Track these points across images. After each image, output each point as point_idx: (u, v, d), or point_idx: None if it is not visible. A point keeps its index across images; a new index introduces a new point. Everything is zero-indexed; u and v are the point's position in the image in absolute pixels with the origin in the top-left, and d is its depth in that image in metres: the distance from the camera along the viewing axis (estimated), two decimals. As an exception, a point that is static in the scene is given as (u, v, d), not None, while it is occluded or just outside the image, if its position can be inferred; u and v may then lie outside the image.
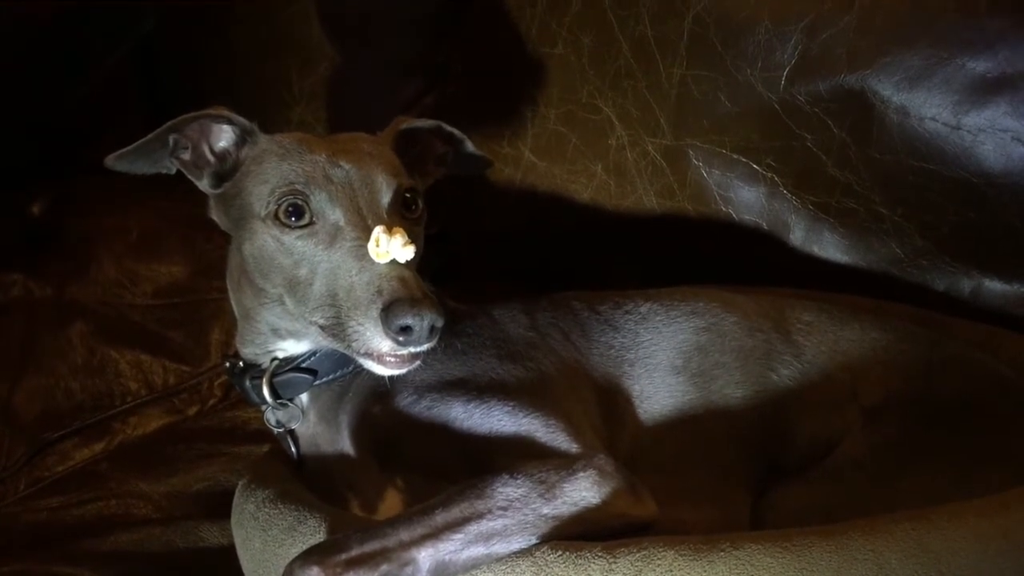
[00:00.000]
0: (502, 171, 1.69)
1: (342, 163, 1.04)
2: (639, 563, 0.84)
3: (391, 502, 1.06)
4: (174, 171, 1.13)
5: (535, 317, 1.19)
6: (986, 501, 0.89)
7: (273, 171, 1.04)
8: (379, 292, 0.94)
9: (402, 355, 0.96)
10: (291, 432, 1.14)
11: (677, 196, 1.52)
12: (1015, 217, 1.27)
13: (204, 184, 1.12)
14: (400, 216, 1.04)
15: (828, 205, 1.39)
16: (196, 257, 1.68)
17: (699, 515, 1.07)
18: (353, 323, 0.95)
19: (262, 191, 1.03)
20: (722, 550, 0.84)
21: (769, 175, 1.43)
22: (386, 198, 1.04)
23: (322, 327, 1.00)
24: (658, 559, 0.84)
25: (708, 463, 1.12)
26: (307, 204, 1.01)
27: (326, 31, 1.83)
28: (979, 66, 1.26)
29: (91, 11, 1.83)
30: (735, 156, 1.45)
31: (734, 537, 0.85)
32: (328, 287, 0.99)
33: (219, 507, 1.28)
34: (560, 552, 0.86)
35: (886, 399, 1.11)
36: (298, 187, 1.01)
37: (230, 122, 1.09)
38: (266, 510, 1.04)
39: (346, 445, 1.09)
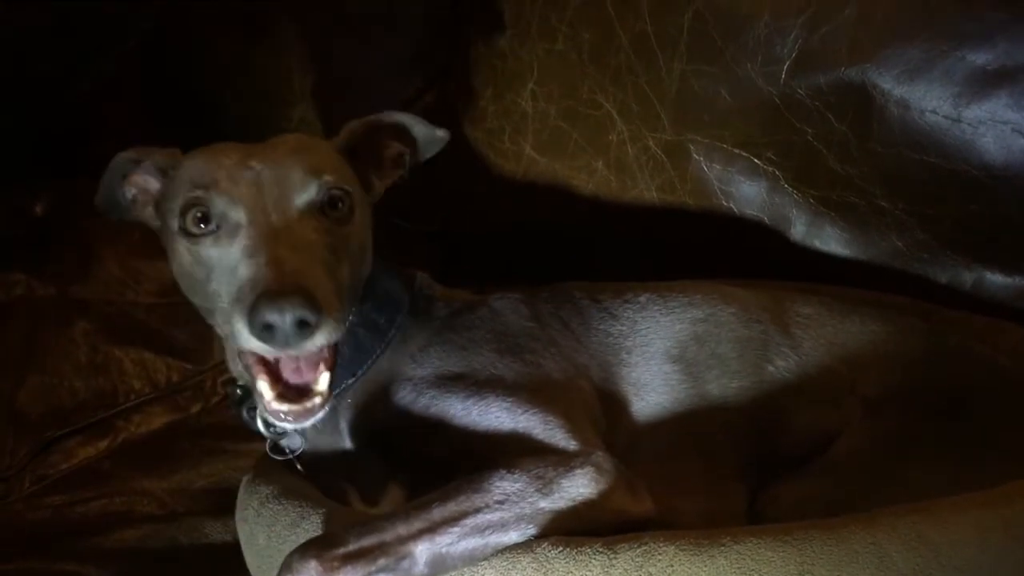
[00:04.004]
0: (503, 167, 1.69)
1: (252, 164, 0.98)
2: (640, 558, 0.85)
3: (392, 498, 1.06)
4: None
5: (536, 307, 1.19)
6: (987, 493, 0.89)
7: (182, 183, 1.00)
8: (252, 289, 0.87)
9: (293, 409, 0.91)
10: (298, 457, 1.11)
11: (678, 191, 1.52)
12: (1016, 210, 1.27)
13: (148, 215, 1.10)
14: (318, 215, 0.98)
15: (829, 199, 1.39)
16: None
17: (693, 504, 1.07)
18: (233, 321, 0.88)
19: (174, 207, 0.99)
20: (722, 544, 0.84)
21: (770, 169, 1.43)
22: (301, 195, 0.97)
23: (239, 352, 0.94)
24: (659, 554, 0.85)
25: (703, 452, 1.12)
26: (210, 210, 0.95)
27: (327, 29, 1.83)
28: (979, 58, 1.25)
29: (92, 9, 1.83)
30: (736, 151, 1.45)
31: (735, 531, 0.86)
32: (228, 289, 0.92)
33: (223, 504, 1.29)
34: (561, 548, 0.87)
35: (886, 392, 1.11)
36: (199, 194, 0.96)
37: (140, 162, 1.07)
38: (270, 506, 1.04)
39: (346, 443, 1.09)
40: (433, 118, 1.18)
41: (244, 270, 0.90)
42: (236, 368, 1.11)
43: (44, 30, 1.79)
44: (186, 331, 1.65)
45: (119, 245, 1.69)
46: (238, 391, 1.12)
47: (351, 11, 1.83)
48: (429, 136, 1.16)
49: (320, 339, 0.87)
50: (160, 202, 1.06)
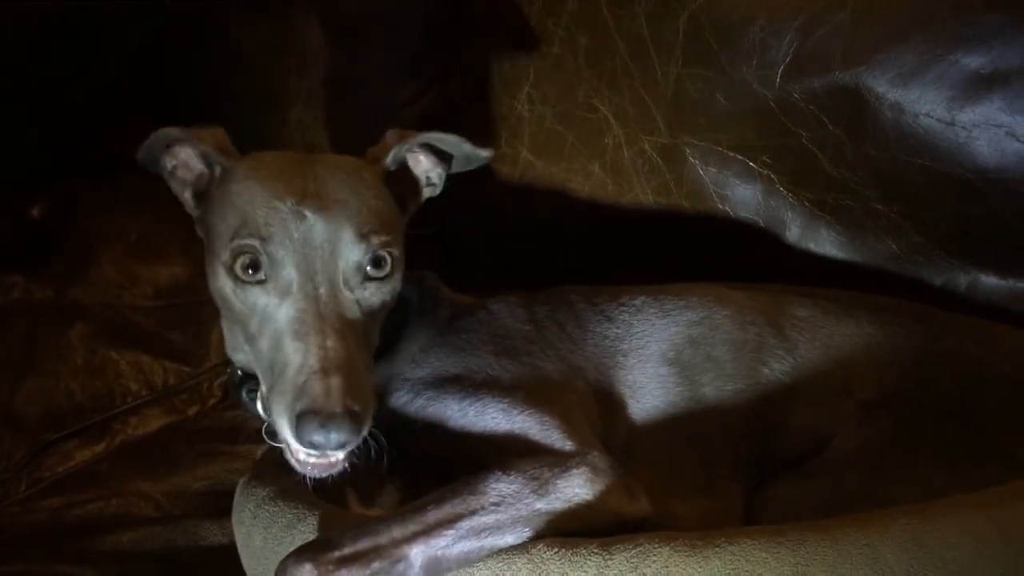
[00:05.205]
0: (500, 170, 1.70)
1: (308, 212, 0.97)
2: (635, 559, 0.85)
3: (389, 499, 1.07)
4: None
5: (533, 310, 1.19)
6: (982, 495, 0.89)
7: (234, 211, 1.00)
8: (299, 394, 0.89)
9: (318, 463, 0.94)
10: None
11: (674, 194, 1.52)
12: (1010, 212, 1.27)
13: (186, 199, 1.10)
14: (362, 280, 0.99)
15: (824, 202, 1.40)
16: (196, 258, 1.67)
17: (690, 505, 1.08)
18: (274, 408, 0.92)
19: (223, 231, 1.00)
20: (717, 545, 0.84)
21: (765, 172, 1.43)
22: (347, 260, 0.98)
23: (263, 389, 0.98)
24: (653, 555, 0.85)
25: (699, 455, 1.13)
26: (260, 260, 0.97)
27: (325, 31, 1.83)
28: (973, 62, 1.26)
29: (91, 12, 1.83)
30: (731, 154, 1.46)
31: (729, 532, 0.86)
32: (270, 353, 0.95)
33: (220, 506, 1.28)
34: (556, 549, 0.87)
35: (881, 394, 1.11)
36: (253, 243, 0.96)
37: (192, 145, 1.07)
38: (266, 508, 1.04)
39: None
40: (430, 121, 1.18)
41: (291, 351, 0.93)
42: (236, 357, 1.12)
43: (43, 32, 1.79)
44: (182, 334, 1.66)
45: (116, 248, 1.69)
46: (239, 372, 1.13)
47: (349, 13, 1.83)
48: (472, 155, 1.16)
49: (354, 445, 0.91)
50: (203, 195, 1.07)
